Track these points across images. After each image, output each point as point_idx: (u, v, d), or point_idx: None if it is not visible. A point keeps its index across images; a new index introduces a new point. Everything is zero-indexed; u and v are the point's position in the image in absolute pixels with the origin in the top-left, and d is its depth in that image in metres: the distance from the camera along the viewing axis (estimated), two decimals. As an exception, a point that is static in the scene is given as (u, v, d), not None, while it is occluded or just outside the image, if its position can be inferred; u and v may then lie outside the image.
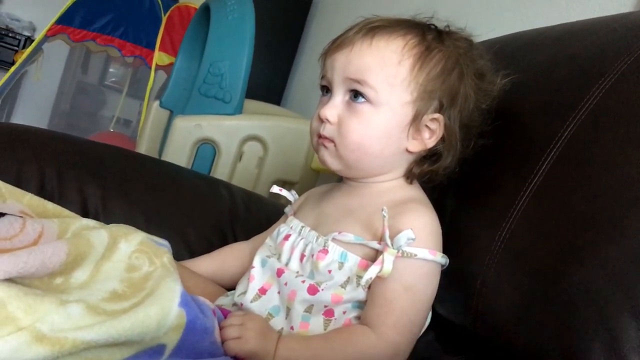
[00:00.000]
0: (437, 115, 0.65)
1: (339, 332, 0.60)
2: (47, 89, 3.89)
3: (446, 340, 0.64)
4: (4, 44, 3.66)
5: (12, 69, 2.23)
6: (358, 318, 0.62)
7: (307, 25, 3.07)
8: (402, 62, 0.64)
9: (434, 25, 0.68)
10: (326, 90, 0.69)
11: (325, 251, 0.63)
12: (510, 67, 0.71)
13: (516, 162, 0.62)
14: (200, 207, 0.95)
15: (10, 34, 3.69)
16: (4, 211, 0.59)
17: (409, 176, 0.68)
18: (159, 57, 2.31)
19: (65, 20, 2.22)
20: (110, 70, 5.65)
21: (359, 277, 0.61)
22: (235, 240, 0.93)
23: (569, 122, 0.59)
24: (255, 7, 1.71)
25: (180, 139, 1.62)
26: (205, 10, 1.80)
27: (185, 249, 0.88)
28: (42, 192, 0.82)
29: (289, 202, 0.81)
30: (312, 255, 0.64)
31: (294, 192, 0.80)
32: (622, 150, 0.52)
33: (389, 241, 0.59)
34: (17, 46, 3.68)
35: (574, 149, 0.57)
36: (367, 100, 0.64)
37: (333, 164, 0.67)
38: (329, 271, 0.62)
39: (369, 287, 0.61)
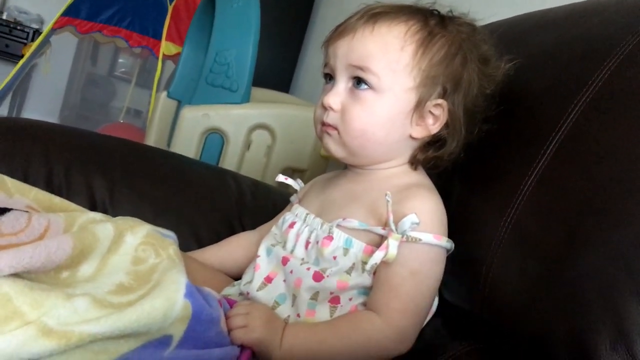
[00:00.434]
0: (440, 101, 0.64)
1: (345, 318, 0.60)
2: (56, 82, 3.90)
3: (454, 326, 0.64)
4: (12, 37, 3.67)
5: (21, 62, 2.25)
6: (364, 305, 0.62)
7: (314, 10, 3.06)
8: (404, 48, 0.63)
9: (436, 10, 0.67)
10: (329, 77, 0.69)
11: (330, 237, 0.63)
12: (514, 50, 0.70)
13: (521, 147, 0.62)
14: (207, 198, 0.96)
15: (18, 27, 3.71)
16: (10, 206, 0.59)
17: (414, 162, 0.68)
18: (166, 47, 2.31)
19: (72, 12, 2.22)
20: (120, 60, 5.66)
21: (364, 263, 0.61)
22: (243, 230, 0.93)
23: (574, 105, 0.58)
24: (260, -7, 1.71)
25: (188, 129, 1.62)
26: (211, -1, 1.79)
27: (194, 240, 0.88)
28: (50, 186, 0.83)
29: (296, 190, 0.81)
30: (317, 242, 0.64)
31: (299, 180, 0.80)
32: (628, 133, 0.51)
33: (393, 226, 0.59)
34: (26, 39, 3.69)
35: (579, 132, 0.56)
36: (370, 87, 0.64)
37: (337, 151, 0.67)
38: (334, 257, 0.62)
39: (375, 273, 0.61)
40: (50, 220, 0.61)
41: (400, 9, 0.66)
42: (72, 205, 0.70)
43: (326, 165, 1.78)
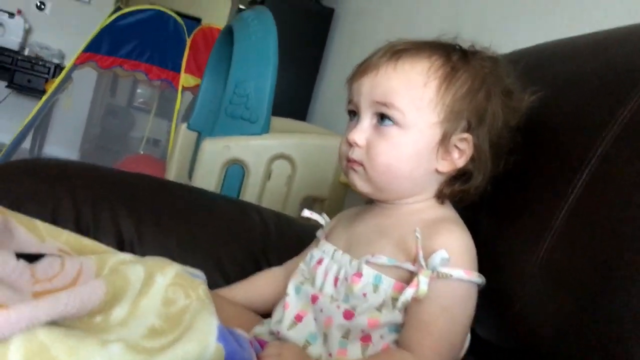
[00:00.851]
0: (465, 135, 0.64)
1: (379, 357, 0.59)
2: (77, 114, 3.97)
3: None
4: (34, 72, 3.76)
5: (44, 98, 2.29)
6: (396, 342, 0.61)
7: (329, 38, 3.09)
8: (427, 84, 0.64)
9: (458, 45, 0.68)
10: (353, 114, 0.69)
11: (359, 274, 0.63)
12: (537, 80, 0.70)
13: (550, 179, 0.62)
14: (232, 232, 0.96)
15: (40, 62, 3.80)
16: (43, 251, 0.60)
17: (440, 196, 0.67)
18: (185, 79, 2.34)
19: (93, 47, 2.27)
20: (138, 91, 5.76)
21: (395, 299, 0.61)
22: (268, 264, 0.93)
23: (602, 137, 0.58)
24: (276, 22, 1.73)
25: (210, 161, 1.63)
26: (229, 31, 1.82)
27: (220, 275, 0.88)
28: (78, 225, 0.84)
29: (322, 225, 0.81)
30: (346, 279, 0.64)
31: (324, 215, 0.80)
32: (659, 165, 0.51)
33: (423, 262, 0.59)
34: (47, 74, 3.77)
35: (609, 165, 0.56)
36: (395, 122, 0.64)
37: (363, 187, 0.67)
38: (364, 294, 0.62)
39: (405, 310, 0.61)
40: (82, 264, 0.62)
41: (423, 46, 0.66)
42: (102, 247, 0.71)
43: (346, 193, 1.78)
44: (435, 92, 0.64)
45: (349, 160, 0.67)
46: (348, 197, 1.85)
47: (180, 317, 0.59)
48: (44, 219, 0.81)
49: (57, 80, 2.29)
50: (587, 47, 0.72)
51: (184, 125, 2.00)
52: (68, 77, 2.34)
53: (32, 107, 3.82)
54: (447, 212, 0.67)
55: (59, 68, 3.83)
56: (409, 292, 0.58)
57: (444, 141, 0.64)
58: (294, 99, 2.85)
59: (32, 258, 0.57)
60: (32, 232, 0.64)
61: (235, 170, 1.65)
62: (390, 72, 0.65)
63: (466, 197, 0.67)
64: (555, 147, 0.63)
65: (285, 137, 1.67)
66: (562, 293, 0.55)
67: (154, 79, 2.38)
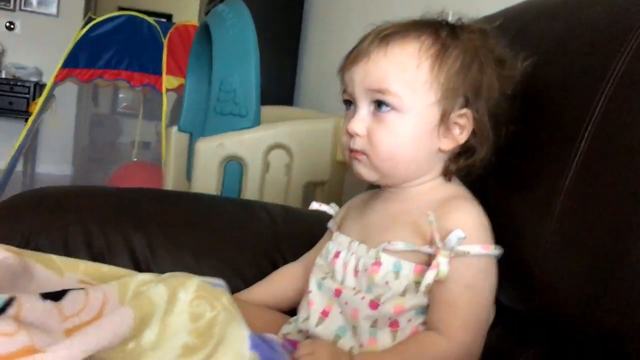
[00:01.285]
0: (464, 111, 0.64)
1: (410, 343, 0.60)
2: (64, 130, 3.95)
3: (516, 331, 0.64)
4: (15, 94, 3.72)
5: (30, 120, 2.28)
6: (424, 324, 0.62)
7: (304, 20, 3.06)
8: (420, 65, 0.64)
9: (445, 21, 0.67)
10: (349, 103, 0.69)
11: (378, 263, 0.64)
12: (521, 42, 0.70)
13: (553, 143, 0.62)
14: (243, 234, 0.97)
15: (19, 83, 3.76)
16: (64, 287, 0.60)
17: (447, 174, 0.68)
18: (168, 81, 2.33)
19: (71, 62, 2.25)
20: (120, 96, 5.71)
21: (417, 283, 0.62)
22: (284, 259, 0.94)
23: (600, 93, 0.58)
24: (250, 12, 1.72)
25: (206, 161, 1.63)
26: (205, 28, 1.80)
27: (238, 278, 0.89)
28: (91, 250, 0.84)
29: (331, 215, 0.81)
30: (366, 270, 0.65)
31: (333, 204, 0.81)
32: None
33: (440, 244, 0.60)
34: (28, 93, 3.74)
35: (611, 120, 0.56)
36: (392, 108, 0.64)
37: (369, 175, 0.68)
38: (386, 282, 0.63)
39: (429, 291, 0.61)
40: (105, 293, 0.62)
41: (410, 26, 0.66)
42: (121, 271, 0.72)
43: (344, 171, 1.79)
44: (429, 72, 0.64)
45: (351, 150, 0.67)
46: (347, 176, 1.86)
47: (209, 330, 0.60)
48: (56, 250, 0.81)
49: (40, 100, 2.28)
50: (564, 7, 0.72)
51: (174, 129, 1.99)
52: (50, 96, 2.32)
53: (16, 129, 3.79)
54: (456, 188, 0.68)
55: (38, 86, 3.80)
56: (430, 275, 0.59)
57: (444, 120, 0.64)
58: (278, 86, 2.84)
59: (56, 296, 0.57)
60: (50, 268, 0.65)
61: (233, 166, 1.65)
62: (381, 58, 0.65)
63: (472, 170, 0.67)
64: (554, 111, 0.63)
65: (278, 127, 1.66)
66: (578, 255, 0.55)
67: (137, 85, 2.36)
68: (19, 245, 0.80)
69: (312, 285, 0.70)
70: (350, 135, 0.67)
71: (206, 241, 0.92)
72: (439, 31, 0.65)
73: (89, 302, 0.59)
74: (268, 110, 1.85)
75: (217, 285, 0.70)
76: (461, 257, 0.59)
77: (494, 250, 0.61)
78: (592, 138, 0.57)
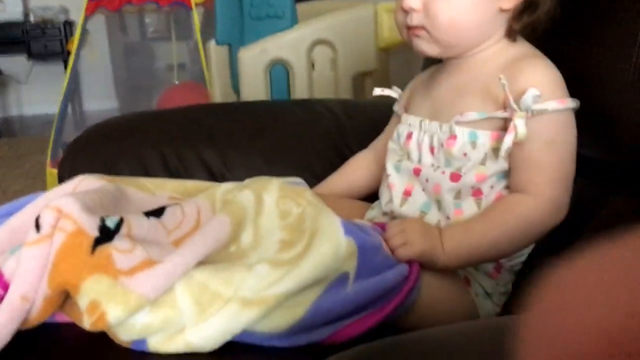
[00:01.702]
0: None
1: (497, 208, 0.62)
2: (101, 64, 3.97)
3: (600, 181, 0.64)
4: (48, 36, 3.74)
5: (70, 62, 2.30)
6: (506, 188, 0.63)
7: None
8: None
9: None
10: (400, -21, 0.67)
11: (453, 137, 0.64)
12: None
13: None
14: (308, 133, 0.98)
15: (49, 25, 3.76)
16: (159, 205, 0.64)
17: (511, 34, 0.66)
18: (196, -5, 2.29)
19: (97, -7, 2.23)
20: (147, 21, 5.64)
21: (495, 150, 0.62)
22: (350, 149, 0.95)
23: None
24: None
25: (251, 69, 1.63)
26: None
27: (309, 174, 0.90)
28: (169, 170, 0.88)
29: (386, 98, 0.81)
30: (442, 145, 0.65)
31: (395, 88, 0.80)
32: None
33: (515, 106, 0.59)
34: (60, 34, 3.75)
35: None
36: None
37: (432, 49, 0.66)
38: (464, 154, 0.63)
39: (510, 156, 0.62)
40: (197, 204, 0.65)
41: None
42: (204, 184, 0.74)
43: (388, 57, 1.75)
44: None
45: (409, 28, 0.66)
46: (392, 62, 1.82)
47: (300, 224, 0.62)
48: (138, 174, 0.85)
49: (76, 38, 2.28)
50: None
51: (212, 43, 1.97)
52: (84, 31, 2.32)
53: (57, 71, 3.85)
54: (523, 48, 0.66)
55: (68, 24, 3.80)
56: (508, 139, 0.59)
57: None
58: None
59: (157, 212, 0.61)
60: (142, 189, 0.68)
61: (279, 70, 1.64)
62: None
63: (538, 26, 0.65)
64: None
65: (317, 23, 1.62)
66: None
67: (165, 5, 2.33)
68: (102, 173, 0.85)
69: (390, 169, 0.71)
70: (406, 12, 0.65)
71: (274, 145, 0.94)
72: None
73: (185, 215, 0.63)
74: (303, 8, 1.80)
75: (297, 184, 0.72)
76: (539, 115, 0.59)
77: (570, 103, 0.60)
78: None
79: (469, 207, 0.64)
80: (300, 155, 0.93)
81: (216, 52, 1.97)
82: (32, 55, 3.82)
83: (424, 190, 0.67)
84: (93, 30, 3.23)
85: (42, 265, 0.52)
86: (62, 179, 0.88)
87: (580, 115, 0.61)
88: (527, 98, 0.58)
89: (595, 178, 0.64)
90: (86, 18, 2.29)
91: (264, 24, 1.64)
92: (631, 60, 0.56)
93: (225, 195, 0.69)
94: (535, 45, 0.66)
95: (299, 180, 0.74)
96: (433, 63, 0.80)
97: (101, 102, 4.03)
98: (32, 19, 3.87)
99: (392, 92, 0.79)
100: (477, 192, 0.63)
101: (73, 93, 3.36)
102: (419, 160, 0.68)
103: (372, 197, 0.81)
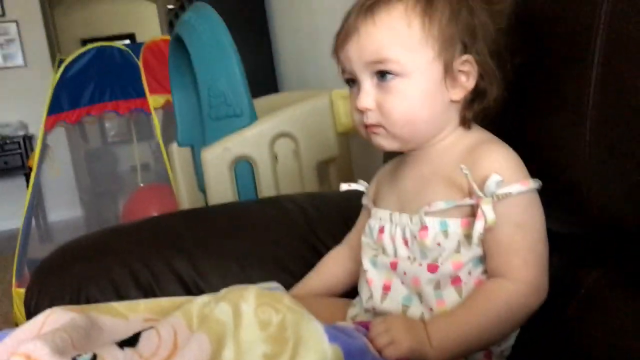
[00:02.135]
0: (465, 57, 0.64)
1: (477, 295, 0.61)
2: (64, 174, 3.95)
3: (574, 256, 0.65)
4: (7, 153, 3.73)
5: (32, 177, 2.29)
6: (484, 273, 0.63)
7: (266, 4, 3.04)
8: (411, 25, 0.64)
9: None
10: (352, 82, 0.69)
11: (425, 228, 0.64)
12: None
13: (566, 60, 0.61)
14: (279, 230, 0.97)
15: (7, 141, 3.76)
16: (133, 331, 0.61)
17: (465, 122, 0.68)
18: (154, 100, 2.32)
19: (55, 108, 2.25)
20: (107, 126, 5.70)
21: (467, 236, 0.63)
22: (324, 244, 0.95)
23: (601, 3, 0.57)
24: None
25: (215, 169, 1.64)
26: (178, 40, 1.79)
27: (287, 274, 0.90)
28: (141, 286, 0.85)
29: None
30: (415, 237, 0.65)
31: (361, 181, 0.81)
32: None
33: (479, 193, 0.60)
34: (20, 149, 3.75)
35: (620, 20, 0.55)
36: (396, 74, 0.64)
37: (391, 144, 0.68)
38: (438, 244, 0.64)
39: (482, 241, 0.62)
40: (173, 325, 0.63)
41: None
42: (177, 299, 0.72)
43: (348, 142, 1.78)
44: (421, 29, 0.64)
45: (367, 126, 0.68)
46: (353, 146, 1.86)
47: (282, 333, 0.61)
48: (108, 295, 0.83)
49: (36, 153, 2.28)
50: None
51: (174, 145, 2.00)
52: (45, 146, 2.32)
53: (19, 185, 3.81)
54: (478, 134, 0.68)
55: (27, 138, 3.80)
56: (479, 226, 0.60)
57: (448, 71, 0.64)
58: (260, 77, 2.83)
59: (131, 341, 0.59)
60: (115, 315, 0.66)
61: (243, 167, 1.65)
62: (371, 28, 0.64)
63: (488, 112, 0.68)
64: (557, 29, 0.63)
65: (276, 117, 1.66)
66: (623, 163, 0.55)
67: (125, 113, 2.36)
68: (71, 299, 0.82)
69: (367, 264, 0.70)
70: (361, 112, 0.67)
71: (247, 247, 0.93)
72: None
73: (162, 339, 0.60)
74: (259, 103, 1.84)
75: (274, 289, 0.71)
76: (504, 199, 0.60)
77: (533, 184, 0.62)
78: (605, 41, 0.56)
79: (451, 297, 0.63)
80: (273, 255, 0.93)
81: (179, 154, 1.99)
82: (-8, 172, 3.79)
83: (403, 283, 0.67)
84: (54, 142, 3.24)
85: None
86: (29, 306, 0.85)
87: (545, 193, 0.62)
88: (491, 184, 0.59)
89: (569, 253, 0.64)
90: (46, 133, 2.30)
91: (225, 123, 1.66)
92: (584, 134, 0.58)
93: (201, 310, 0.67)
94: (490, 129, 0.68)
95: (275, 284, 0.73)
96: (394, 154, 0.82)
97: (66, 211, 3.98)
98: (-11, 136, 3.87)
99: (359, 186, 0.80)
100: (456, 281, 0.63)
101: (36, 206, 3.31)
102: (395, 254, 0.68)
103: (352, 292, 0.80)
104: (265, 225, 0.99)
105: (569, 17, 0.62)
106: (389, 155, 0.87)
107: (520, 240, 0.60)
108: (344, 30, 0.67)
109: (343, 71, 0.69)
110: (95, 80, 2.32)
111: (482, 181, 0.61)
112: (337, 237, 0.91)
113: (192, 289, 0.87)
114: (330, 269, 0.82)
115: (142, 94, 2.33)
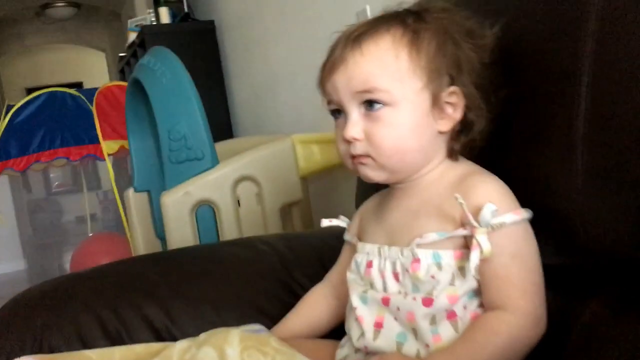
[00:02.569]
0: (452, 89, 0.65)
1: (476, 329, 0.59)
2: (6, 225, 3.78)
3: (569, 289, 0.64)
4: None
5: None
6: (480, 306, 0.62)
7: (220, 48, 3.05)
8: (398, 55, 0.64)
9: (407, 9, 0.67)
10: (337, 112, 0.68)
11: (417, 260, 0.63)
12: (482, 11, 0.71)
13: (553, 93, 0.62)
14: (252, 272, 0.94)
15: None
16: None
17: (452, 154, 0.68)
18: (108, 146, 2.26)
19: (2, 155, 2.15)
20: (51, 175, 5.53)
21: (461, 268, 0.61)
22: (300, 284, 0.92)
23: (584, 34, 0.58)
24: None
25: (175, 213, 1.59)
26: (136, 83, 1.76)
27: (265, 317, 0.86)
28: (109, 334, 0.80)
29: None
30: (407, 270, 0.63)
31: (342, 217, 0.79)
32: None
33: (475, 223, 0.59)
34: (-40, 200, 3.56)
35: (604, 55, 0.56)
36: (384, 104, 0.63)
37: (378, 175, 0.67)
38: (432, 277, 0.62)
39: (478, 273, 0.61)
40: (154, 373, 0.59)
41: (376, 22, 0.66)
42: (154, 346, 0.68)
43: (307, 186, 1.77)
44: (409, 59, 0.64)
45: (353, 157, 0.66)
46: (313, 189, 1.84)
47: (274, 377, 0.57)
48: (72, 344, 0.77)
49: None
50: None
51: (130, 191, 1.94)
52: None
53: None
54: (466, 166, 0.67)
55: (-32, 189, 3.63)
56: (474, 257, 0.58)
57: (436, 101, 0.64)
58: (215, 122, 2.81)
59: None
60: (89, 364, 0.61)
61: (204, 211, 1.61)
62: (359, 58, 0.64)
63: (475, 144, 0.68)
64: (541, 61, 0.64)
65: (238, 160, 1.63)
66: (616, 195, 0.56)
67: (76, 159, 2.28)
68: (32, 349, 0.76)
69: (356, 301, 0.67)
70: (348, 142, 0.66)
71: (220, 290, 0.89)
72: (406, 19, 0.66)
73: (143, 388, 0.56)
74: (219, 147, 1.81)
75: (257, 331, 0.68)
76: (498, 229, 0.59)
77: (525, 214, 0.61)
78: (592, 73, 0.57)
79: (447, 332, 0.61)
80: (249, 297, 0.89)
81: (135, 200, 1.93)
82: None
83: (396, 319, 0.64)
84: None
85: None
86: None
87: (536, 225, 0.62)
88: (486, 213, 0.58)
89: (563, 286, 0.63)
90: (-9, 181, 2.19)
91: (185, 166, 1.62)
92: (576, 167, 0.58)
93: (182, 357, 0.63)
94: (478, 162, 0.68)
95: (258, 326, 0.70)
96: (368, 192, 0.81)
97: (8, 264, 3.79)
98: None
99: (340, 222, 0.78)
100: (451, 315, 0.61)
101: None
102: (384, 289, 0.66)
103: (335, 333, 0.77)
104: (238, 267, 0.95)
105: (552, 46, 0.63)
106: (363, 194, 0.86)
107: (517, 271, 0.59)
108: (331, 61, 0.66)
109: (329, 102, 0.68)
110: (46, 125, 2.24)
111: (475, 211, 0.60)
112: (313, 278, 0.88)
113: (164, 336, 0.82)
114: (312, 308, 0.79)
115: (94, 140, 2.26)
